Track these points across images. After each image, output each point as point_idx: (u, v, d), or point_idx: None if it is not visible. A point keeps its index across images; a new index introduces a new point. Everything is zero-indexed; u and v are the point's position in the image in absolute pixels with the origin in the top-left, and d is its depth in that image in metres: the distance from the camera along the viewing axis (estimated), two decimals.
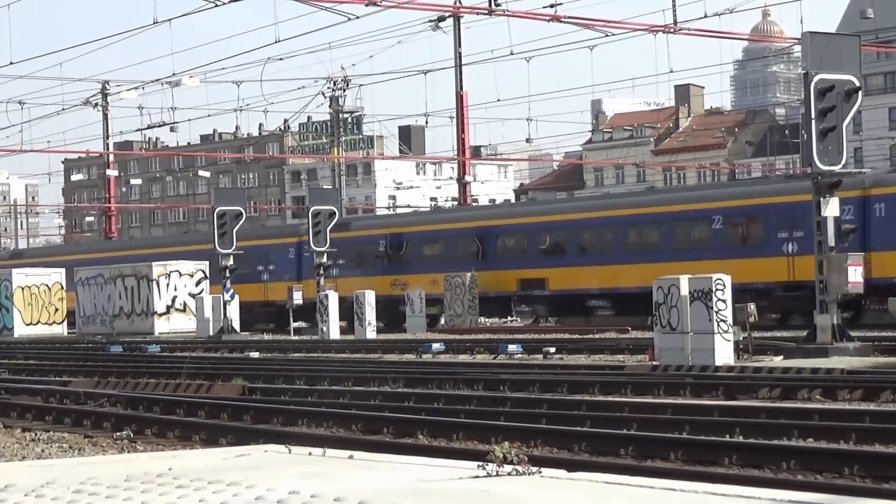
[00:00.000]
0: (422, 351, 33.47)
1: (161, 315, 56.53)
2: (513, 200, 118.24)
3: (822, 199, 26.77)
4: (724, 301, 24.71)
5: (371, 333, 43.98)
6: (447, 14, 56.97)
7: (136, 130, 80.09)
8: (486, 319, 52.23)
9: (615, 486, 7.30)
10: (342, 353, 36.69)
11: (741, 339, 25.86)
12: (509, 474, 7.67)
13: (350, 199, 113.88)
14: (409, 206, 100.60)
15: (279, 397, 21.13)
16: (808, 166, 27.21)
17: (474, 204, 74.74)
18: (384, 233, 55.20)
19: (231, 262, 48.68)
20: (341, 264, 53.53)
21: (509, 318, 53.05)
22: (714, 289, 24.66)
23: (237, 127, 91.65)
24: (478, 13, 51.30)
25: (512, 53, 56.86)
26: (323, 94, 77.26)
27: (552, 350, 30.73)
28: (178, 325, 56.17)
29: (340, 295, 47.24)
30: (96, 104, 76.18)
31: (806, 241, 36.54)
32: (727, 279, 25.07)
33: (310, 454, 9.28)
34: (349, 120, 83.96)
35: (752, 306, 26.80)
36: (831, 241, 26.95)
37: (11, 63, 53.27)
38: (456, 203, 70.50)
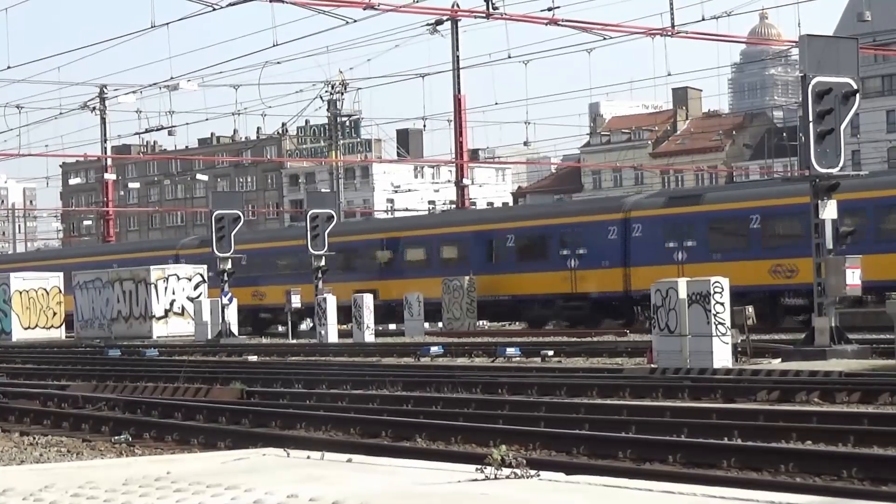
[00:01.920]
0: (420, 354, 33.46)
1: (159, 319, 56.51)
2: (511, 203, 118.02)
3: (819, 201, 26.78)
4: (722, 304, 24.70)
5: (369, 337, 43.87)
6: (445, 17, 56.93)
7: (134, 134, 79.87)
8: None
9: (614, 489, 7.29)
10: (340, 356, 36.67)
11: (739, 341, 25.87)
12: (507, 477, 7.65)
13: (348, 203, 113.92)
14: (407, 210, 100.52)
15: (277, 401, 21.10)
16: (805, 169, 27.22)
17: None
18: (759, 205, 42.27)
19: (229, 265, 48.67)
20: (690, 247, 43.45)
21: None
22: (712, 291, 24.65)
23: (235, 130, 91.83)
24: (475, 16, 51.27)
25: (510, 57, 56.92)
26: (321, 97, 77.29)
27: (550, 353, 30.73)
28: (176, 329, 56.14)
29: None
30: (94, 108, 76.15)
31: None
32: (725, 282, 25.06)
33: (308, 458, 9.26)
34: (347, 123, 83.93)
35: (749, 309, 26.81)
36: (829, 244, 26.95)
37: (9, 67, 53.61)
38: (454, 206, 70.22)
